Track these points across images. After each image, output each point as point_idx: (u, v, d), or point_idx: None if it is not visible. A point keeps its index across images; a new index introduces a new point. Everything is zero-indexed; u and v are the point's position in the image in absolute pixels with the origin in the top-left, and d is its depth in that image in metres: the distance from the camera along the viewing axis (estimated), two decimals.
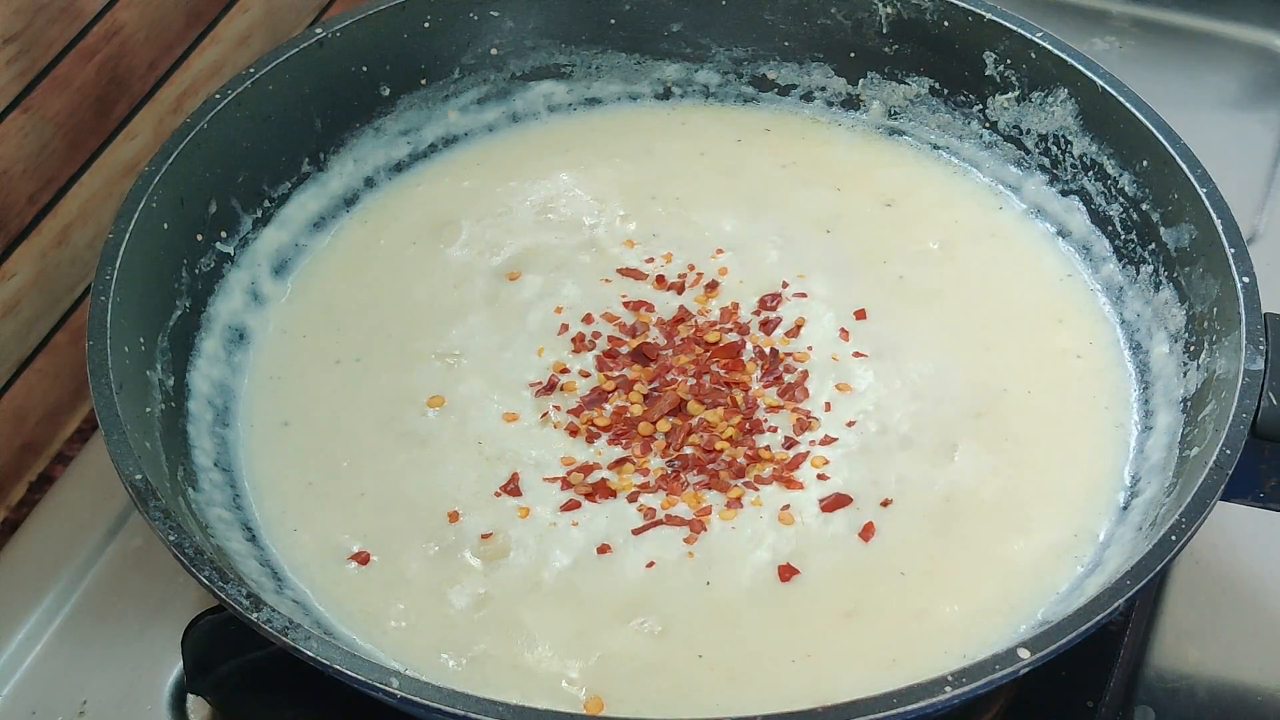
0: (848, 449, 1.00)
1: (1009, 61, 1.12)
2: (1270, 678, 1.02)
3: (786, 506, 0.97)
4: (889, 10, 1.15)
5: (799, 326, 1.06)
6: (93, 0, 1.13)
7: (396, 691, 0.79)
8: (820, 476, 0.98)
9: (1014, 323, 1.07)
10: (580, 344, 1.06)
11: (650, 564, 0.95)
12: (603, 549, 0.95)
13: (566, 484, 0.98)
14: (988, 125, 1.15)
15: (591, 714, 0.88)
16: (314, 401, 1.04)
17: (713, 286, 1.09)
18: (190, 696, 1.00)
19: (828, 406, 1.02)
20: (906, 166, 1.17)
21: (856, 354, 1.05)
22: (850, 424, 1.01)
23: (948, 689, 0.78)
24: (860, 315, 1.07)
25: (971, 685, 0.79)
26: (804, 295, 1.08)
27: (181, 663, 0.97)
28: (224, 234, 1.08)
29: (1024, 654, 0.80)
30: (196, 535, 0.87)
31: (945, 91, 1.16)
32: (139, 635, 1.03)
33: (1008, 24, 1.10)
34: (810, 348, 1.05)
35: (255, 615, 0.82)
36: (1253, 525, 1.03)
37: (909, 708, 0.77)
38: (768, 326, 1.06)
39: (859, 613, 0.93)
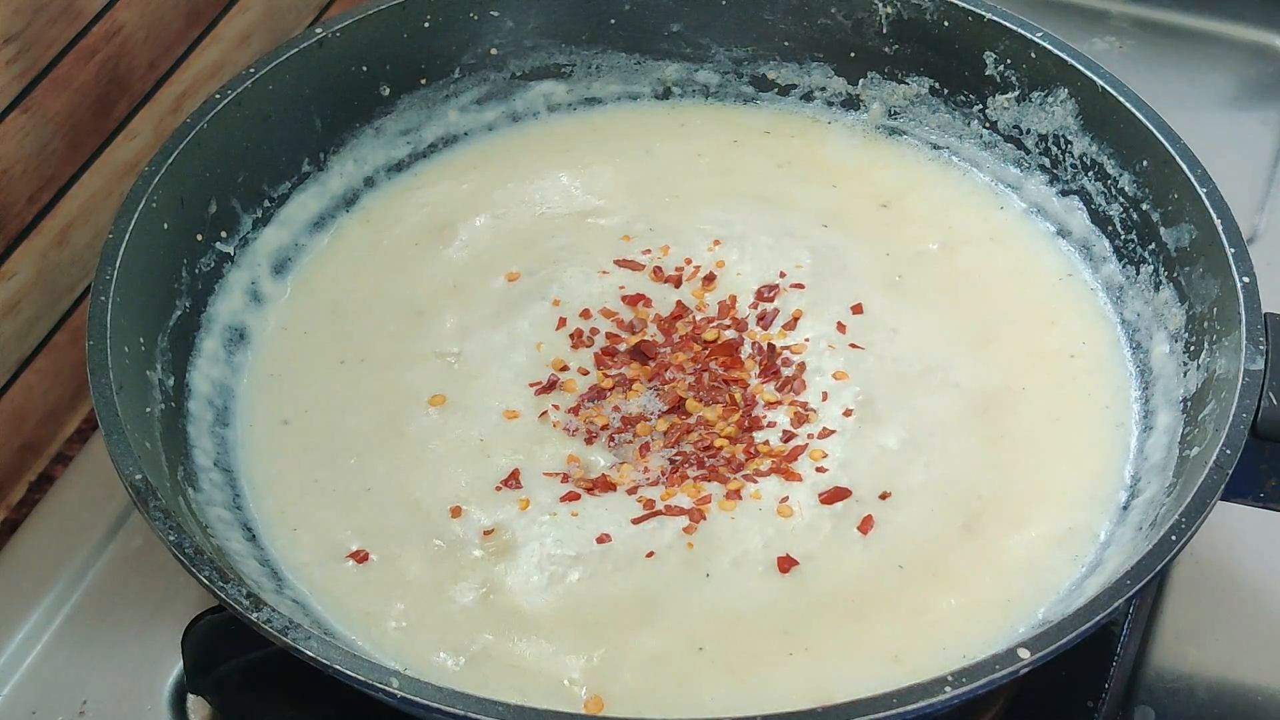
0: (846, 441, 1.00)
1: (1009, 61, 1.12)
2: (1270, 678, 1.02)
3: (785, 498, 0.97)
4: (889, 10, 1.15)
5: (796, 319, 1.06)
6: (93, 0, 1.13)
7: (396, 691, 0.79)
8: (819, 469, 0.98)
9: (1013, 321, 1.07)
10: (579, 340, 1.06)
11: (650, 554, 0.95)
12: (602, 539, 0.95)
13: (567, 479, 0.99)
14: (988, 125, 1.15)
15: (591, 714, 0.88)
16: (314, 400, 1.04)
17: (710, 279, 1.09)
18: (190, 696, 1.00)
19: (825, 397, 1.02)
20: (906, 166, 1.18)
21: (853, 345, 1.05)
22: (848, 413, 1.01)
23: (947, 689, 0.78)
24: (858, 309, 1.07)
25: (971, 685, 0.79)
26: (800, 286, 1.08)
27: (181, 663, 0.97)
28: (224, 234, 1.08)
29: (1024, 654, 0.80)
30: (196, 535, 0.87)
31: (945, 91, 1.16)
32: (139, 635, 1.03)
33: (1008, 24, 1.10)
34: (807, 339, 1.05)
35: (255, 615, 0.82)
36: (1253, 525, 1.03)
37: (909, 708, 0.77)
38: (765, 320, 1.07)
39: (858, 606, 0.93)
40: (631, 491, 0.98)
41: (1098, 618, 0.81)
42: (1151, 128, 1.03)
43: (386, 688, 0.79)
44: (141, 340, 0.98)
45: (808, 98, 1.21)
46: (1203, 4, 1.44)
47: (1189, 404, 0.97)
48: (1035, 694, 0.97)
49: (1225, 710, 1.00)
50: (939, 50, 1.15)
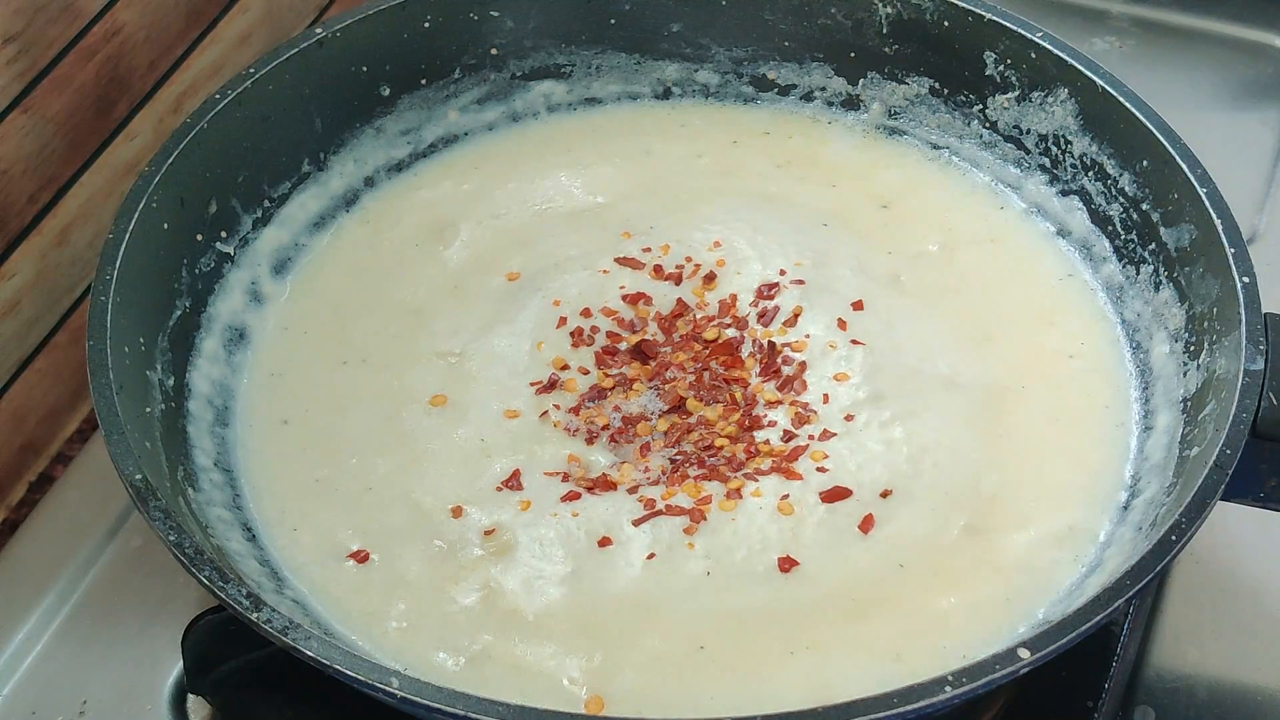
0: (846, 440, 1.00)
1: (1009, 61, 1.12)
2: (1270, 678, 1.02)
3: (786, 496, 0.97)
4: (889, 10, 1.15)
5: (796, 316, 1.06)
6: (93, 0, 1.13)
7: (396, 691, 0.79)
8: (820, 469, 0.98)
9: (1013, 321, 1.07)
10: (579, 339, 1.06)
11: (650, 555, 0.95)
12: (603, 541, 0.95)
13: (567, 478, 0.99)
14: (988, 125, 1.15)
15: (592, 714, 0.88)
16: (314, 400, 1.04)
17: (710, 278, 1.09)
18: (190, 696, 1.00)
19: (826, 398, 1.02)
20: (906, 166, 1.18)
21: (854, 343, 1.05)
22: (849, 418, 1.01)
23: (947, 689, 0.78)
24: (858, 307, 1.07)
25: (971, 685, 0.79)
26: (801, 282, 1.08)
27: (181, 663, 0.97)
28: (224, 234, 1.08)
29: (1024, 654, 0.80)
30: (196, 535, 0.87)
31: (945, 91, 1.16)
32: (139, 635, 1.03)
33: (1008, 24, 1.10)
34: (808, 335, 1.05)
35: (255, 615, 0.82)
36: (1253, 525, 1.03)
37: (909, 708, 0.78)
38: (765, 318, 1.06)
39: (859, 605, 0.93)
40: (632, 491, 0.98)
41: (1098, 618, 0.81)
42: (1151, 128, 1.03)
43: (386, 688, 0.79)
44: (141, 340, 0.98)
45: (808, 98, 1.21)
46: (1203, 4, 1.44)
47: (1189, 404, 0.97)
48: (1035, 694, 0.97)
49: (1225, 710, 1.00)
50: (939, 50, 1.15)
